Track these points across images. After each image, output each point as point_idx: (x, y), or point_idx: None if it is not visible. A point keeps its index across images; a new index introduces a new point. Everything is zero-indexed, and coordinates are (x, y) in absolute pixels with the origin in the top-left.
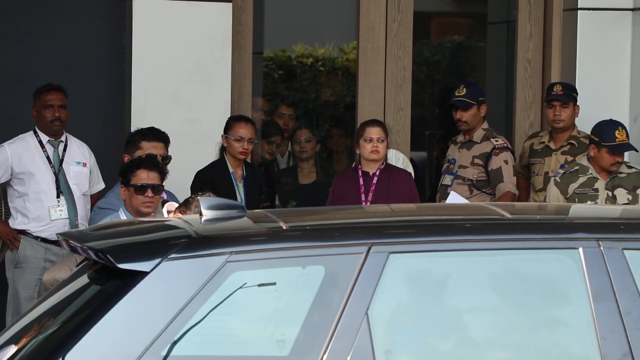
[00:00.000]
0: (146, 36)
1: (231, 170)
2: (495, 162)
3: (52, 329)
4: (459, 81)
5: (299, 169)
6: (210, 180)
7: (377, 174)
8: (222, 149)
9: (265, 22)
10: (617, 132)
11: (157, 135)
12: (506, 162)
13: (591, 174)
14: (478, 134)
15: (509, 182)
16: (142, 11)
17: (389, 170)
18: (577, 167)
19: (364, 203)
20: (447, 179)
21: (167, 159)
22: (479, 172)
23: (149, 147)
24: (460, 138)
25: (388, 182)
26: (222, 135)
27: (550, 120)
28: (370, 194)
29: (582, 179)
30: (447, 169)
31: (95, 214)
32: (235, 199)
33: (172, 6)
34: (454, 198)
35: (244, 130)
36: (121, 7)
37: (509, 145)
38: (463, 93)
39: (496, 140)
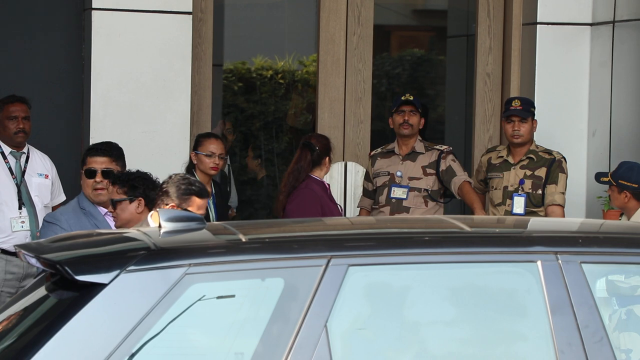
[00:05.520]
0: (105, 48)
1: None
2: (444, 164)
3: (9, 341)
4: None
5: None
6: None
7: None
8: (188, 168)
9: (225, 34)
10: None
11: (100, 150)
12: (454, 160)
13: None
14: (419, 145)
15: (462, 175)
16: (101, 22)
17: None
18: None
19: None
20: (398, 192)
21: (108, 174)
22: (434, 181)
23: (91, 162)
24: (397, 150)
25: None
26: (191, 153)
27: (509, 135)
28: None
29: None
30: (392, 181)
31: (42, 226)
32: (208, 216)
33: (132, 18)
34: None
35: (214, 146)
36: (80, 18)
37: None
38: (412, 99)
39: (440, 147)
